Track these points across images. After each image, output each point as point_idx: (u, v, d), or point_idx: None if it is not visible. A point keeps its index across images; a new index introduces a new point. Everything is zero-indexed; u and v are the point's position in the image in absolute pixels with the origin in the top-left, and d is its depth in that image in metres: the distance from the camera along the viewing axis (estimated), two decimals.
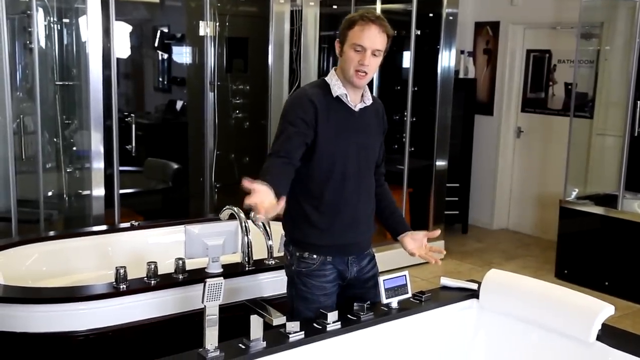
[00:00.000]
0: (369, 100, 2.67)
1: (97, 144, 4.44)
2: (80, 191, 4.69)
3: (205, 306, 2.22)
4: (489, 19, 7.12)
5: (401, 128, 6.04)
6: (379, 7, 6.04)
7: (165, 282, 3.15)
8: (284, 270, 2.81)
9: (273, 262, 3.42)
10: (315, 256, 2.64)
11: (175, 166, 6.06)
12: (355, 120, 2.63)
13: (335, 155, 2.57)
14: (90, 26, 4.34)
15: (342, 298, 2.74)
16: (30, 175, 4.52)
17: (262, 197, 2.21)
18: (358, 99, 2.65)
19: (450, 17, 5.97)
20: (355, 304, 2.61)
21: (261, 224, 3.51)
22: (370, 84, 5.47)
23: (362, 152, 2.65)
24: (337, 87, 2.59)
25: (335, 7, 5.92)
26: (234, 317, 2.49)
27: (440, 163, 6.14)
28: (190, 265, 3.25)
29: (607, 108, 5.99)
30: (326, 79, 2.65)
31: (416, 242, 2.83)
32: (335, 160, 2.58)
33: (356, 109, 2.64)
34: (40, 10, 4.59)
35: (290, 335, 2.35)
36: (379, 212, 2.83)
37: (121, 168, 4.66)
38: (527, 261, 6.14)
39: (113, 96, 4.55)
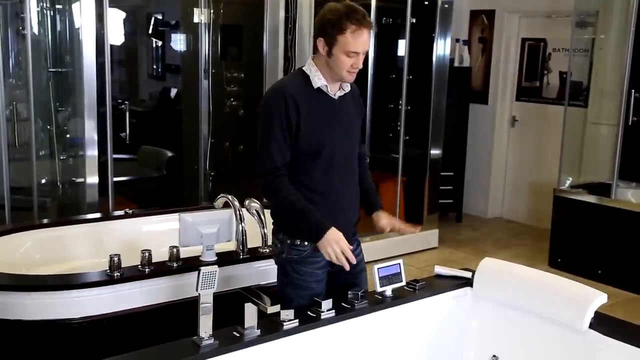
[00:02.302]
0: (347, 87, 2.69)
1: (90, 131, 4.42)
2: (74, 179, 4.68)
3: (199, 294, 2.22)
4: (484, 7, 7.10)
5: (396, 116, 6.04)
6: None
7: (160, 270, 3.15)
8: None
9: (267, 250, 3.42)
10: (307, 243, 2.64)
11: (170, 154, 6.05)
12: (335, 109, 2.64)
13: (321, 145, 2.58)
14: (83, 12, 4.31)
15: (332, 285, 2.75)
16: (24, 162, 4.50)
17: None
18: (337, 87, 2.66)
19: (446, 5, 5.96)
20: (349, 292, 2.61)
21: (255, 212, 3.51)
22: (365, 73, 5.50)
23: (346, 139, 2.67)
24: (318, 79, 2.59)
25: None
26: (229, 305, 2.49)
27: (435, 152, 6.14)
28: (185, 253, 3.25)
29: (601, 97, 5.99)
30: (304, 69, 2.63)
31: (389, 219, 2.86)
32: (322, 150, 2.59)
33: (335, 97, 2.64)
34: None
35: (285, 324, 2.35)
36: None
37: (115, 156, 4.64)
38: (520, 249, 6.16)
39: (107, 83, 4.53)
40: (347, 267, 2.50)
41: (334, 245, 2.49)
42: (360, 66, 2.56)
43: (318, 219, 2.54)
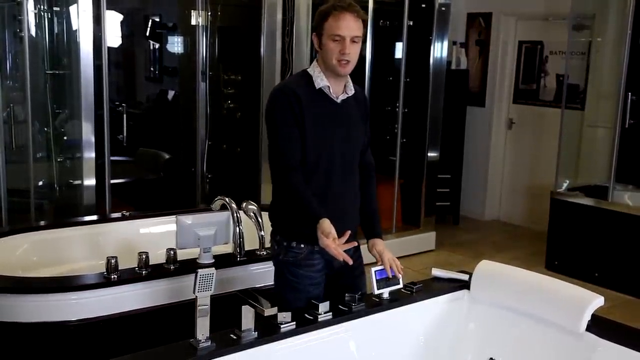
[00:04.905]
0: (351, 91, 2.67)
1: (88, 133, 4.42)
2: (71, 181, 4.68)
3: (196, 296, 2.22)
4: (481, 9, 7.12)
5: (393, 119, 6.04)
6: None
7: (157, 272, 3.15)
8: None
9: (264, 253, 3.42)
10: (302, 245, 2.64)
11: (167, 156, 6.04)
12: (338, 112, 2.62)
13: (320, 148, 2.57)
14: (81, 15, 4.31)
15: (331, 288, 2.74)
16: (21, 164, 4.49)
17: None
18: (340, 90, 2.64)
19: (443, 8, 5.97)
20: (346, 294, 2.61)
21: (253, 214, 3.51)
22: (362, 75, 5.51)
23: (346, 144, 2.65)
24: (320, 79, 2.58)
25: None
26: (226, 308, 2.49)
27: (432, 154, 6.15)
28: (182, 255, 3.24)
29: (598, 99, 6.00)
30: (308, 70, 2.64)
31: (386, 250, 2.74)
32: (320, 153, 2.57)
33: (338, 101, 2.63)
34: None
35: (282, 326, 2.35)
36: (361, 207, 2.79)
37: (112, 158, 4.64)
38: (517, 252, 6.17)
39: (104, 85, 4.53)
40: (340, 258, 2.41)
41: (323, 239, 2.42)
42: (349, 54, 2.50)
43: (313, 213, 2.50)
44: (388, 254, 2.71)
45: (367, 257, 2.85)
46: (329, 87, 2.59)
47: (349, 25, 2.50)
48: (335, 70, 2.55)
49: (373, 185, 2.86)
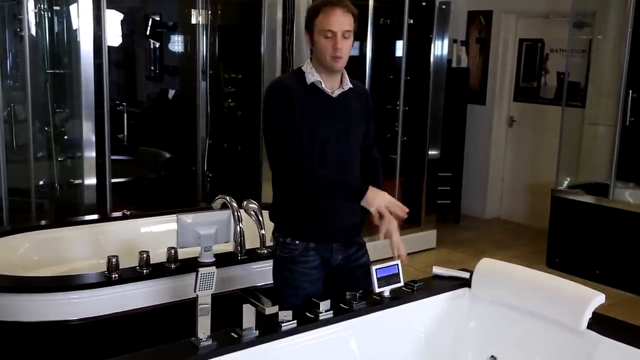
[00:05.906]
0: (347, 85, 2.66)
1: (88, 132, 4.42)
2: (72, 180, 4.68)
3: (197, 295, 2.22)
4: (482, 7, 7.11)
5: (394, 117, 6.04)
6: None
7: (158, 271, 3.15)
8: None
9: (265, 251, 3.42)
10: (297, 242, 2.65)
11: (167, 155, 6.04)
12: (333, 107, 2.61)
13: (313, 142, 2.57)
14: (81, 14, 4.32)
15: (333, 286, 2.74)
16: (21, 164, 4.50)
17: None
18: (336, 85, 2.64)
19: (443, 6, 5.97)
20: (347, 292, 2.60)
21: (253, 213, 3.51)
22: (362, 73, 5.51)
23: (342, 139, 2.63)
24: (311, 75, 2.58)
25: None
26: (227, 307, 2.49)
27: (433, 152, 6.15)
28: (183, 254, 3.24)
29: (599, 97, 6.00)
30: (302, 67, 2.65)
31: (396, 230, 2.71)
32: (314, 147, 2.57)
33: (334, 95, 2.62)
34: None
35: (283, 324, 2.35)
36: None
37: (113, 157, 4.64)
38: (518, 250, 6.17)
39: (104, 84, 4.53)
40: (404, 215, 2.52)
41: (379, 200, 2.48)
42: (341, 49, 2.51)
43: (353, 183, 2.58)
44: (397, 236, 2.69)
45: (373, 256, 2.86)
46: (320, 82, 2.59)
47: (339, 21, 2.50)
48: (329, 66, 2.55)
49: (380, 177, 2.86)
